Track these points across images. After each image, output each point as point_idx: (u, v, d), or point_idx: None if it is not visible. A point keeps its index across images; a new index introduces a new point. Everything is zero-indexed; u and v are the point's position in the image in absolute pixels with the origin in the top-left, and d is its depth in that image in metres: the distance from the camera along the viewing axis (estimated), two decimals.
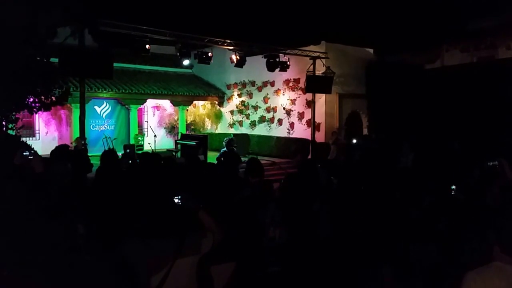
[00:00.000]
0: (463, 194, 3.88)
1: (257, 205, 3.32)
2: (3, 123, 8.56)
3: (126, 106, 15.66)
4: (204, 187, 4.03)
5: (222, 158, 8.50)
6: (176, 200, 2.44)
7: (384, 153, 9.91)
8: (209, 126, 18.22)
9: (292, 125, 15.24)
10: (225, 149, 11.02)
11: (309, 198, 3.20)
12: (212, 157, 12.78)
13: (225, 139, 11.65)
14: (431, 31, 16.73)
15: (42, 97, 9.08)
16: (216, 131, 17.87)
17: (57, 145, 6.08)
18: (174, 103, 16.73)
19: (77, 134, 10.60)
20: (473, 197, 3.83)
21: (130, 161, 6.60)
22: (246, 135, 15.21)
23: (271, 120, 15.91)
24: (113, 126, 15.73)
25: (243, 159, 9.22)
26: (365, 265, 2.75)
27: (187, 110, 17.53)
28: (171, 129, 17.47)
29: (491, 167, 4.06)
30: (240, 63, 12.63)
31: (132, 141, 15.04)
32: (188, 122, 17.70)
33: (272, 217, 2.87)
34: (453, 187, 3.81)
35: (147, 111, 17.38)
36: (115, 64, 9.83)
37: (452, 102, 11.84)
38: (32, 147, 8.53)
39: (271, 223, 2.80)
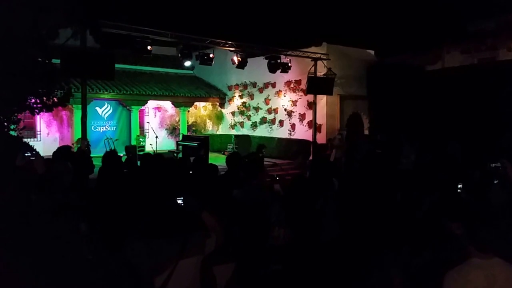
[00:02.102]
0: (466, 194, 3.89)
1: (258, 206, 3.33)
2: (5, 124, 8.56)
3: (128, 107, 15.69)
4: (206, 188, 4.03)
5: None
6: (179, 201, 2.45)
7: (385, 155, 9.90)
8: (210, 127, 18.24)
9: (293, 126, 15.25)
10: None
11: (314, 199, 3.21)
12: (213, 158, 12.79)
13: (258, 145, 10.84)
14: (431, 32, 16.73)
15: (44, 98, 9.07)
16: (217, 132, 17.88)
17: (58, 146, 6.10)
18: (175, 104, 16.76)
19: (79, 135, 10.61)
20: (476, 198, 3.84)
21: (132, 163, 6.61)
22: (247, 136, 15.22)
23: (272, 121, 15.91)
24: (114, 127, 15.74)
25: None
26: (372, 265, 2.76)
27: (188, 111, 17.55)
28: (173, 130, 17.48)
29: (493, 168, 4.07)
30: (241, 65, 12.65)
31: (133, 142, 15.05)
32: (190, 123, 17.71)
33: (277, 216, 2.88)
34: (460, 185, 3.82)
35: (148, 112, 17.40)
36: (116, 65, 9.84)
37: (453, 103, 11.82)
38: (34, 147, 8.54)
39: (275, 223, 2.81)
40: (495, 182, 3.99)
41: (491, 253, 2.10)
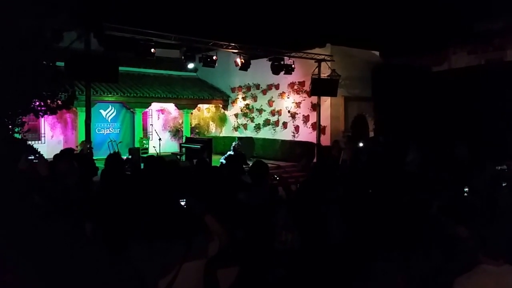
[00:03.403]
0: (472, 197, 3.83)
1: (263, 209, 3.28)
2: (9, 126, 8.58)
3: (131, 110, 15.72)
4: (209, 190, 4.00)
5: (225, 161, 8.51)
6: (182, 203, 2.42)
7: (391, 156, 9.81)
8: (213, 130, 18.23)
9: (297, 128, 15.19)
10: (231, 152, 11.02)
11: (319, 202, 3.17)
12: (216, 160, 12.76)
13: (233, 143, 11.67)
14: (438, 33, 16.63)
15: (48, 101, 9.10)
16: (221, 135, 17.86)
17: (62, 148, 6.10)
18: (179, 107, 16.77)
19: (83, 138, 10.62)
20: (485, 201, 3.77)
21: (135, 164, 6.60)
22: (250, 138, 15.17)
23: (276, 123, 15.87)
24: (118, 129, 15.78)
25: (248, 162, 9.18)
26: (377, 268, 2.71)
27: (192, 113, 17.56)
28: (176, 133, 17.50)
29: (499, 170, 4.02)
30: (244, 66, 12.63)
31: (137, 145, 15.08)
32: (193, 125, 17.72)
33: (284, 221, 2.83)
34: (466, 189, 3.77)
35: (152, 115, 17.43)
36: (120, 68, 9.85)
37: (460, 104, 11.72)
38: (38, 150, 8.56)
39: (283, 227, 2.77)
40: (504, 184, 3.93)
41: (502, 260, 2.06)
